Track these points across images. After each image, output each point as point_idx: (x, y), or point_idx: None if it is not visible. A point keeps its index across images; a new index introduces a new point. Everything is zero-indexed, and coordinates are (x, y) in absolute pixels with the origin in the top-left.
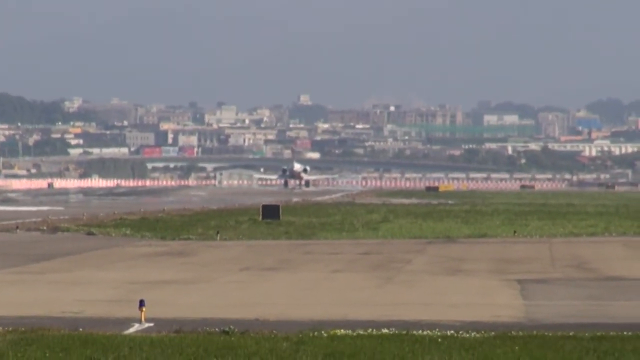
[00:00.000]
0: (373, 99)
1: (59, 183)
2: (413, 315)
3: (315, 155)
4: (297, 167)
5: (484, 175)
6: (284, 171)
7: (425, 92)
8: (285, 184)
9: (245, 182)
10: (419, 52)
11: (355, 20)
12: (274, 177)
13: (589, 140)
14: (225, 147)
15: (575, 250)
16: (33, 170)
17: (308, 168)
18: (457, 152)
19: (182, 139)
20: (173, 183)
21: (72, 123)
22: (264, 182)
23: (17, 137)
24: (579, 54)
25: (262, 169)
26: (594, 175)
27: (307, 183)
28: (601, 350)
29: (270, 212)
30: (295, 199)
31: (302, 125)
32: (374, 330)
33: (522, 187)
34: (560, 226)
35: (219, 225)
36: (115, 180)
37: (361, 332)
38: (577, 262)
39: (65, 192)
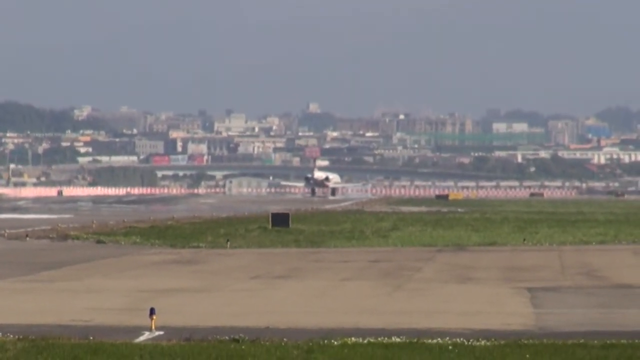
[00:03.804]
0: (382, 107)
1: (68, 191)
2: (423, 323)
3: (324, 163)
4: (318, 174)
5: (494, 183)
6: (308, 179)
7: (434, 101)
8: (313, 192)
9: (255, 190)
10: (428, 60)
11: (364, 29)
12: (300, 184)
13: (598, 148)
14: (235, 155)
15: (585, 258)
16: (42, 179)
17: (330, 176)
18: (466, 160)
19: (192, 147)
20: (182, 191)
21: (81, 131)
22: (289, 190)
23: (27, 145)
24: (588, 62)
25: (271, 177)
26: (603, 183)
27: (334, 191)
28: (611, 358)
29: (280, 220)
30: (304, 207)
31: (311, 134)
32: (385, 338)
33: (532, 195)
34: (569, 234)
35: (228, 233)
36: (125, 189)
37: (372, 340)
38: (587, 270)
39: (74, 200)
